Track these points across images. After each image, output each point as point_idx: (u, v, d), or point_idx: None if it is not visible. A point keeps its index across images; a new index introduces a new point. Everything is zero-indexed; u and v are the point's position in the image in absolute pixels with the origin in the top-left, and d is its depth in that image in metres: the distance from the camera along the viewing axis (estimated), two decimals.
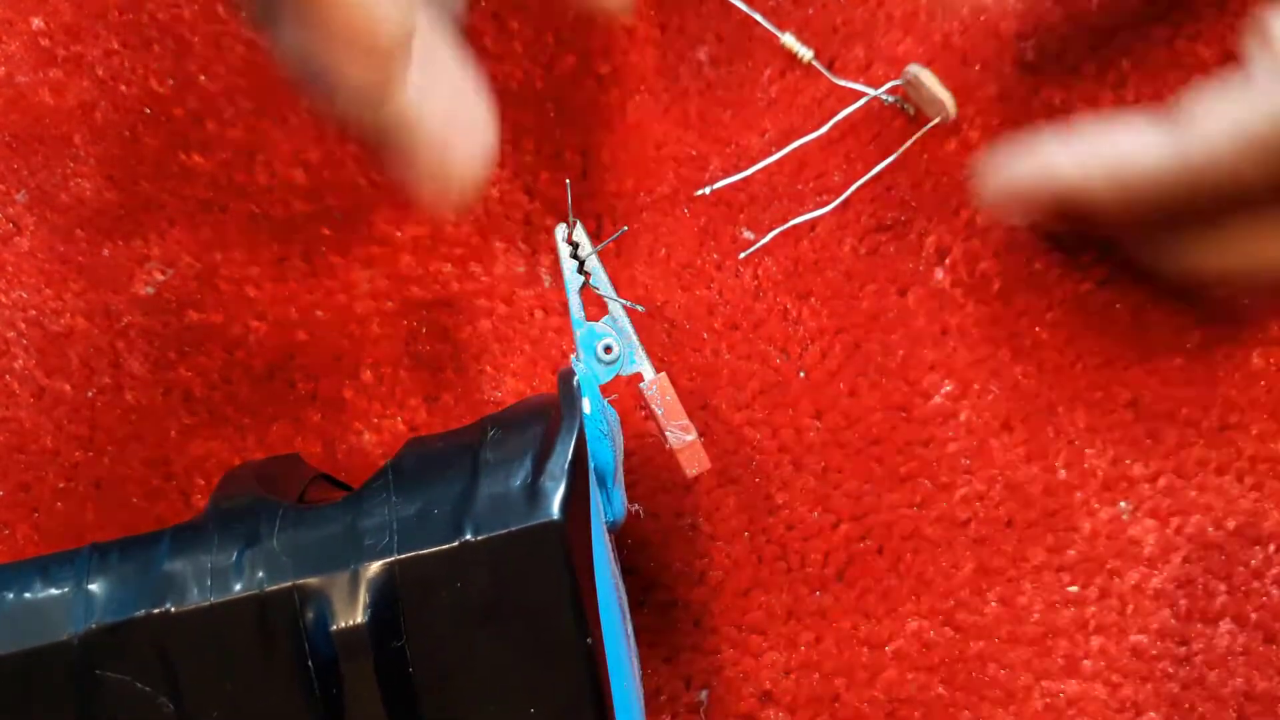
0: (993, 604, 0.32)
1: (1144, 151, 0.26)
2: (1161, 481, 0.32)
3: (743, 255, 0.31)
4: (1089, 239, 0.32)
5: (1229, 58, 0.31)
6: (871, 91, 0.27)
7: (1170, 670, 0.32)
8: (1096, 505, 0.32)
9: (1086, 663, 0.32)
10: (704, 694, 0.32)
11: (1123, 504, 0.32)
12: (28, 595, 0.22)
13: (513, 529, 0.22)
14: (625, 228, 0.28)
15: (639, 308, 0.27)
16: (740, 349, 0.33)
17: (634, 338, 0.28)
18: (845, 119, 0.34)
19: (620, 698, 0.23)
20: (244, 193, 0.34)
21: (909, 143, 0.33)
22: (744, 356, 0.33)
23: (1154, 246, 0.30)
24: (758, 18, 0.31)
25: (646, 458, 0.33)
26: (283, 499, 0.24)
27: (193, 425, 0.34)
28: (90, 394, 0.34)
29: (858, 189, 0.33)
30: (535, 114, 0.35)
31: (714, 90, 0.34)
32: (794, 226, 0.33)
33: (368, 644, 0.22)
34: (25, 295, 0.34)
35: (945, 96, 0.32)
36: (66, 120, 0.35)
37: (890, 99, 0.33)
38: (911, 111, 0.33)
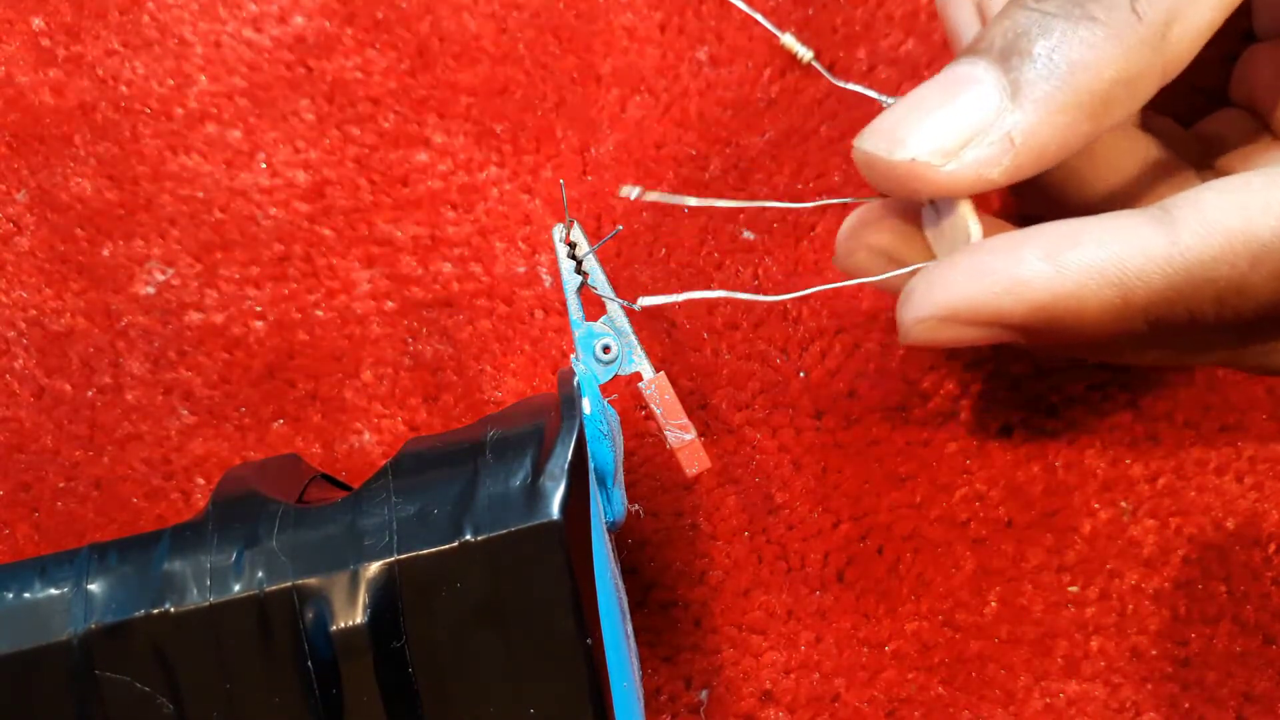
0: (993, 604, 0.32)
1: (1142, 251, 0.22)
2: (1161, 482, 0.32)
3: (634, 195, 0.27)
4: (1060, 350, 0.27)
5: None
6: (871, 94, 0.27)
7: (1170, 671, 0.32)
8: (1096, 505, 0.32)
9: (1086, 663, 0.32)
10: (704, 694, 0.32)
11: (1123, 504, 0.32)
12: (27, 595, 0.22)
13: (512, 529, 0.22)
14: (619, 228, 0.28)
15: (635, 306, 0.27)
16: (740, 349, 0.33)
17: (632, 337, 0.28)
18: (846, 119, 0.34)
19: (620, 698, 0.23)
20: (244, 193, 0.34)
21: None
22: (744, 356, 0.33)
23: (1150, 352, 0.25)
24: (758, 18, 0.31)
25: (646, 458, 0.33)
26: (283, 499, 0.24)
27: (193, 425, 0.34)
28: (90, 394, 0.34)
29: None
30: (535, 114, 0.35)
31: (714, 90, 0.34)
32: (794, 226, 0.33)
33: (367, 644, 0.22)
34: (25, 295, 0.34)
35: None
36: (66, 120, 0.35)
37: (889, 100, 0.33)
38: None
